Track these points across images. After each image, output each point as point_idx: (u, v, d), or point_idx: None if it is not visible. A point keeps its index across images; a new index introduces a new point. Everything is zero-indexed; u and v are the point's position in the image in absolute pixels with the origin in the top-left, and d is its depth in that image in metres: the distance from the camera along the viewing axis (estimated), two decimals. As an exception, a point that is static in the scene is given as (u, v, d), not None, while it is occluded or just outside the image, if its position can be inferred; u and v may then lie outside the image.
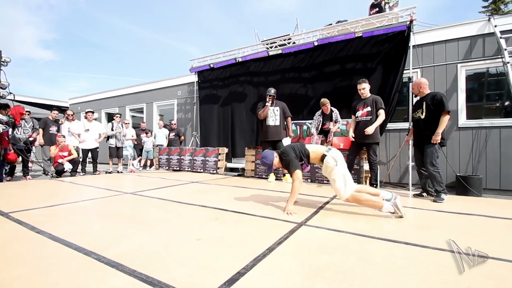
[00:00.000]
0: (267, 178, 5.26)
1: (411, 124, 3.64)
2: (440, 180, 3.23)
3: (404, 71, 4.99)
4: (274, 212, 2.51)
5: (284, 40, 6.35)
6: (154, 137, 7.80)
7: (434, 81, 5.11)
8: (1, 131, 4.78)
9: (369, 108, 3.94)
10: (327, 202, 3.03)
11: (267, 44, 6.58)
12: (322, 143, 5.36)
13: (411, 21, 4.70)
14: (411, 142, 3.79)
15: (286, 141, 4.83)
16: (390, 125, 5.23)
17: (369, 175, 4.00)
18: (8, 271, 1.31)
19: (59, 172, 5.57)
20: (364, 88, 4.02)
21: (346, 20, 5.69)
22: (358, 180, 4.09)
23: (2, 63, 4.64)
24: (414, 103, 3.69)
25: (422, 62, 5.28)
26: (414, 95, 3.58)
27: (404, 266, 1.40)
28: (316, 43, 5.72)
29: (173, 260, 1.44)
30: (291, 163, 2.58)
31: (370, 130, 3.79)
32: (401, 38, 4.86)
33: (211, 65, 7.26)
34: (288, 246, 1.66)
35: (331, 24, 5.98)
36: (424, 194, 3.53)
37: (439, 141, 3.22)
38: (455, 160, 4.88)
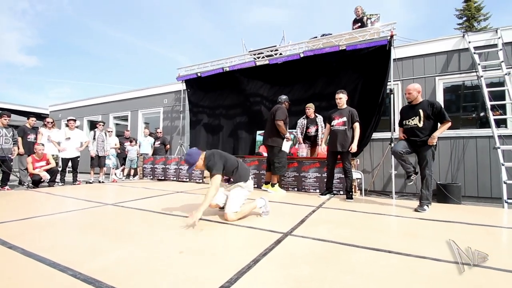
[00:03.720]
0: (254, 187, 5.25)
1: (402, 131, 3.54)
2: (430, 186, 3.23)
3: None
4: (259, 222, 2.49)
5: (271, 51, 6.46)
6: (139, 146, 7.62)
7: (414, 93, 5.32)
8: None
9: (344, 119, 4.03)
10: (314, 211, 3.04)
11: (254, 55, 6.68)
12: (311, 153, 5.44)
13: (391, 36, 4.92)
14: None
15: (285, 145, 4.71)
16: (375, 135, 5.38)
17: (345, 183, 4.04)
18: (-28, 291, 1.22)
19: (36, 182, 5.31)
20: (341, 98, 4.12)
21: (331, 34, 5.88)
22: (347, 188, 4.09)
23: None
24: (403, 110, 3.58)
25: (402, 75, 5.52)
26: (408, 102, 3.46)
27: (388, 275, 1.42)
28: (302, 55, 5.86)
29: (154, 274, 1.39)
30: (215, 166, 2.50)
31: (354, 148, 3.91)
32: (382, 52, 5.06)
33: (199, 74, 7.25)
34: (273, 257, 1.65)
35: (316, 37, 6.16)
36: (425, 207, 3.21)
37: (435, 143, 3.21)
38: (435, 169, 5.05)
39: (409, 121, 3.41)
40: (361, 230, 2.29)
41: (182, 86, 7.83)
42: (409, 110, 3.45)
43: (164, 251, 1.74)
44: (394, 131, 5.04)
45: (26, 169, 5.44)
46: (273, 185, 4.61)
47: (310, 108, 5.32)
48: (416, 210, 3.19)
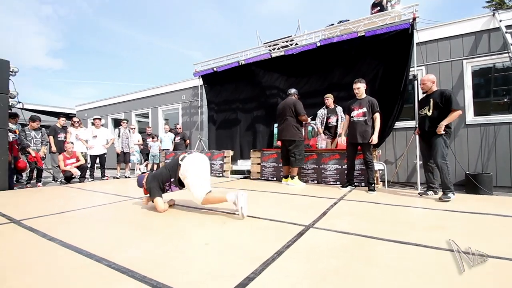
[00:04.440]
0: (274, 180, 5.28)
1: (417, 122, 3.63)
2: (448, 174, 3.17)
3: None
4: (281, 215, 2.51)
5: (287, 41, 6.35)
6: (160, 142, 7.87)
7: (440, 78, 5.06)
8: (11, 140, 4.89)
9: (364, 109, 3.91)
10: (335, 204, 3.01)
11: (269, 46, 6.60)
12: (331, 144, 5.36)
13: (414, 19, 4.66)
14: (417, 138, 3.79)
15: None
16: (398, 124, 5.19)
17: (368, 175, 3.95)
18: (21, 278, 1.33)
19: (68, 179, 5.66)
20: (359, 88, 3.99)
21: (348, 20, 5.67)
22: (369, 180, 3.99)
23: (10, 73, 4.75)
24: (419, 100, 3.67)
25: (426, 60, 5.24)
26: (423, 92, 3.52)
27: (415, 268, 1.39)
28: (318, 44, 5.71)
29: (182, 265, 1.46)
30: (151, 192, 2.69)
31: (375, 140, 3.81)
32: (404, 36, 4.82)
33: (215, 69, 7.30)
34: (296, 249, 1.66)
35: (333, 25, 5.97)
36: (429, 192, 3.48)
37: (442, 132, 3.18)
38: (464, 158, 4.82)
39: (421, 111, 3.47)
40: (385, 223, 2.25)
41: (199, 82, 7.94)
42: (423, 100, 3.51)
43: (190, 243, 1.81)
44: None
45: (58, 166, 5.80)
46: (292, 178, 4.60)
47: (329, 98, 5.24)
48: (440, 199, 3.16)
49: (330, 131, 5.36)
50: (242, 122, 7.17)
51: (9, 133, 4.75)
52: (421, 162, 4.48)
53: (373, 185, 3.84)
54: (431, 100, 3.32)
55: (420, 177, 4.33)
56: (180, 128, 8.07)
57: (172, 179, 2.70)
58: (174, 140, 7.94)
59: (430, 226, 2.20)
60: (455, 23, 5.04)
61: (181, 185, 2.74)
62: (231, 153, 6.52)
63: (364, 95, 4.02)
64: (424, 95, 3.57)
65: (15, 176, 5.23)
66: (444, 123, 3.17)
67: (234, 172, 6.65)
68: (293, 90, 4.84)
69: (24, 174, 5.68)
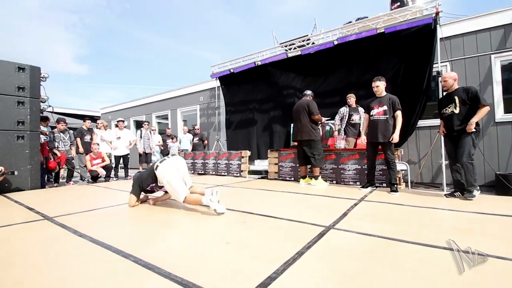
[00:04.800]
0: (291, 180, 5.26)
1: (442, 124, 3.51)
2: (473, 172, 3.09)
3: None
4: (300, 215, 2.50)
5: (303, 41, 6.31)
6: (179, 142, 8.07)
7: (466, 74, 4.83)
8: (43, 141, 5.20)
9: (385, 107, 3.79)
10: (356, 205, 2.96)
11: (285, 46, 6.58)
12: (347, 143, 5.26)
13: (437, 13, 4.48)
14: (442, 139, 3.67)
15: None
16: (421, 122, 5.01)
17: (389, 175, 3.84)
18: (56, 272, 1.43)
19: (94, 178, 5.94)
20: (378, 86, 3.88)
21: (367, 17, 5.54)
22: (391, 181, 3.87)
23: (41, 78, 5.05)
24: (440, 99, 3.56)
25: (451, 55, 5.02)
26: (444, 90, 3.43)
27: (442, 272, 1.34)
28: (336, 42, 5.63)
29: (204, 263, 1.49)
30: (132, 188, 3.03)
31: (396, 138, 3.70)
32: (427, 32, 4.64)
33: (231, 70, 7.39)
34: (317, 250, 1.65)
35: (350, 22, 5.86)
36: (457, 193, 3.33)
37: (473, 130, 3.08)
38: (493, 158, 4.56)
39: (446, 110, 3.36)
40: (410, 225, 2.18)
41: (216, 83, 8.06)
42: (445, 98, 3.43)
43: (212, 241, 1.85)
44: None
45: (85, 166, 6.10)
46: (316, 178, 4.54)
47: (352, 97, 5.21)
48: (465, 198, 3.13)
49: (355, 128, 5.26)
50: (259, 122, 7.20)
51: (41, 135, 5.06)
52: (447, 162, 4.30)
53: (395, 186, 3.73)
54: (456, 97, 3.23)
55: (446, 178, 4.15)
56: (198, 129, 8.23)
57: (154, 184, 2.93)
58: (193, 140, 8.11)
59: (458, 229, 2.11)
60: (482, 16, 4.79)
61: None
62: (248, 153, 6.56)
63: (384, 93, 3.91)
64: (444, 93, 3.48)
65: (46, 175, 5.56)
66: (474, 120, 3.06)
67: (251, 172, 6.69)
68: (308, 92, 4.82)
69: (53, 174, 6.02)
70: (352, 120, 5.23)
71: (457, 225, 2.26)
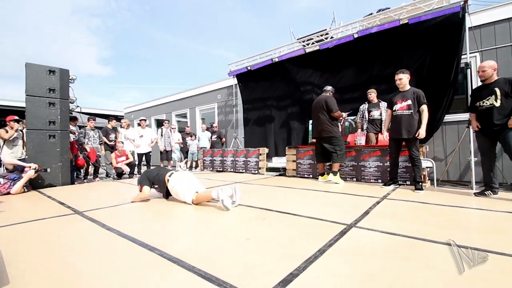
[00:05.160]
0: (310, 177, 5.20)
1: (475, 118, 3.27)
2: None
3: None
4: (320, 213, 2.47)
5: (321, 35, 6.18)
6: (198, 140, 8.22)
7: (498, 65, 4.51)
8: (72, 140, 5.50)
9: (409, 102, 3.63)
10: (378, 203, 2.88)
11: (303, 42, 6.48)
12: (367, 139, 5.13)
13: (465, 1, 4.21)
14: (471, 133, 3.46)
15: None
16: (448, 117, 4.76)
17: (414, 173, 3.68)
18: (88, 263, 1.51)
19: (119, 175, 6.21)
20: (401, 79, 3.72)
21: (389, 8, 5.33)
22: (415, 178, 3.73)
23: (70, 80, 5.33)
24: (474, 90, 3.32)
25: (481, 45, 4.72)
26: (481, 80, 3.17)
27: (472, 274, 1.28)
28: (356, 35, 5.45)
29: (226, 258, 1.52)
30: (141, 182, 3.26)
31: (422, 133, 3.54)
32: (454, 21, 4.38)
33: (249, 68, 7.39)
34: (339, 248, 1.63)
35: (371, 14, 5.66)
36: (488, 192, 3.13)
37: None
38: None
39: (483, 102, 3.10)
40: (434, 224, 2.09)
41: (233, 81, 8.10)
42: (482, 90, 3.16)
43: (233, 237, 1.88)
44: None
45: (111, 163, 6.38)
46: (335, 174, 4.46)
47: (372, 93, 5.07)
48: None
49: (374, 124, 5.11)
50: (277, 119, 7.17)
51: (70, 134, 5.35)
52: (476, 159, 4.06)
53: (420, 183, 3.58)
54: (497, 89, 2.97)
55: (475, 176, 3.93)
56: (216, 126, 8.34)
57: (157, 186, 3.25)
58: (211, 138, 8.23)
59: (486, 229, 1.99)
60: (517, 1, 4.45)
61: (167, 194, 3.20)
62: (266, 150, 6.56)
63: (407, 87, 3.75)
64: (481, 84, 3.22)
65: (75, 172, 5.89)
66: None
67: (269, 170, 6.69)
68: (329, 87, 4.74)
69: (82, 171, 6.36)
70: (371, 116, 5.10)
71: (485, 224, 2.14)
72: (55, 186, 4.76)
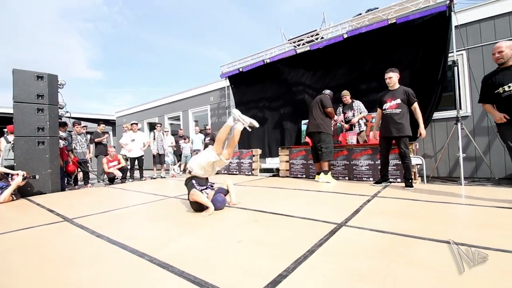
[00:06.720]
0: (303, 177, 5.22)
1: (495, 108, 2.75)
2: None
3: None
4: (312, 212, 2.49)
5: (312, 36, 6.22)
6: (192, 143, 8.18)
7: (484, 62, 4.62)
8: (62, 146, 5.42)
9: (398, 100, 3.69)
10: (368, 201, 2.91)
11: (294, 42, 6.52)
12: (357, 137, 5.18)
13: (451, 0, 4.30)
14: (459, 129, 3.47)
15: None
16: (436, 114, 4.85)
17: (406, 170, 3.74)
18: (77, 272, 1.49)
19: (111, 179, 6.14)
20: (391, 78, 3.78)
21: (377, 8, 5.40)
22: (405, 176, 3.78)
23: (59, 86, 5.26)
24: (493, 77, 2.74)
25: (467, 43, 4.81)
26: (499, 63, 2.68)
27: (458, 270, 1.30)
28: (345, 36, 5.51)
29: (217, 262, 1.52)
30: (188, 188, 2.77)
31: (423, 132, 3.65)
32: (441, 20, 4.46)
33: (240, 69, 7.39)
34: (329, 248, 1.64)
35: (360, 14, 5.72)
36: None
37: None
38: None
39: (509, 87, 2.54)
40: (424, 221, 2.12)
41: (226, 83, 8.10)
42: (504, 74, 2.62)
43: (224, 240, 1.87)
44: (460, 108, 4.47)
45: (102, 168, 6.31)
46: (326, 173, 4.51)
47: (346, 96, 5.25)
48: None
49: (350, 124, 5.32)
50: (269, 120, 7.19)
51: (60, 140, 5.27)
52: (464, 155, 4.13)
53: (410, 180, 3.63)
54: None
55: (463, 171, 4.00)
56: (209, 129, 8.31)
57: (196, 182, 2.81)
58: (204, 140, 8.20)
59: (476, 224, 2.03)
60: (500, 0, 4.55)
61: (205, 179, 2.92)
62: (259, 151, 6.57)
63: (397, 85, 3.81)
64: (497, 68, 2.73)
65: (66, 179, 5.79)
66: None
67: (263, 170, 6.70)
68: (327, 91, 4.88)
69: (72, 177, 6.26)
70: (347, 117, 5.31)
71: (476, 220, 2.18)
72: (45, 193, 4.67)
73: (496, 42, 4.56)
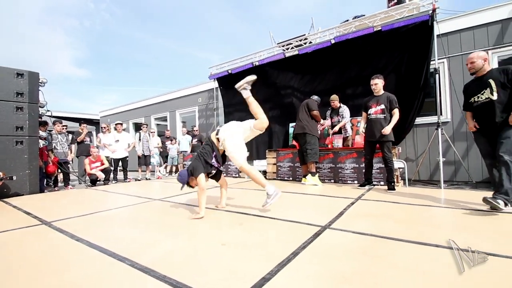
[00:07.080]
0: (289, 180, 5.25)
1: (471, 116, 2.87)
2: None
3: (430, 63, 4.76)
4: (296, 215, 2.51)
5: (300, 40, 6.31)
6: (178, 144, 8.07)
7: (463, 70, 4.81)
8: (41, 146, 5.21)
9: (382, 106, 3.81)
10: (352, 204, 2.96)
11: (283, 46, 6.58)
12: (343, 141, 5.28)
13: (433, 10, 4.47)
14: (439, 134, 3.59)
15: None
16: (418, 120, 5.01)
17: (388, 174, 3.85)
18: (54, 277, 1.43)
19: (93, 181, 5.95)
20: (377, 84, 3.90)
21: (364, 15, 5.54)
22: (388, 179, 3.89)
23: (40, 84, 5.07)
24: (467, 87, 2.88)
25: (448, 52, 5.01)
26: (471, 73, 2.81)
27: (438, 271, 1.34)
28: (333, 41, 5.61)
29: (200, 265, 1.50)
30: (194, 170, 2.65)
31: (387, 130, 3.69)
32: (423, 29, 4.63)
33: (229, 71, 7.38)
34: (313, 250, 1.66)
35: (347, 21, 5.85)
36: (500, 201, 2.43)
37: None
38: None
39: (478, 97, 2.68)
40: (405, 223, 2.18)
41: (214, 84, 8.06)
42: (475, 84, 2.76)
43: (208, 243, 1.85)
44: (441, 114, 4.64)
45: (85, 169, 6.11)
46: (313, 175, 4.57)
47: (335, 100, 5.31)
48: (486, 200, 2.47)
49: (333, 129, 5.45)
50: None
51: (40, 140, 5.07)
52: (444, 159, 4.29)
53: (392, 184, 3.73)
54: (490, 80, 2.59)
55: (443, 175, 4.15)
56: (197, 130, 8.24)
57: (215, 153, 2.76)
58: (192, 142, 8.11)
59: (455, 226, 2.11)
60: (479, 12, 4.78)
61: (223, 158, 2.85)
62: (247, 153, 6.55)
63: (382, 92, 3.92)
64: (473, 77, 2.83)
65: (45, 180, 5.57)
66: None
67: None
68: (315, 97, 4.97)
69: (52, 178, 6.03)
70: (333, 122, 5.42)
71: (454, 222, 2.26)
72: (23, 194, 4.48)
73: (475, 51, 4.80)
